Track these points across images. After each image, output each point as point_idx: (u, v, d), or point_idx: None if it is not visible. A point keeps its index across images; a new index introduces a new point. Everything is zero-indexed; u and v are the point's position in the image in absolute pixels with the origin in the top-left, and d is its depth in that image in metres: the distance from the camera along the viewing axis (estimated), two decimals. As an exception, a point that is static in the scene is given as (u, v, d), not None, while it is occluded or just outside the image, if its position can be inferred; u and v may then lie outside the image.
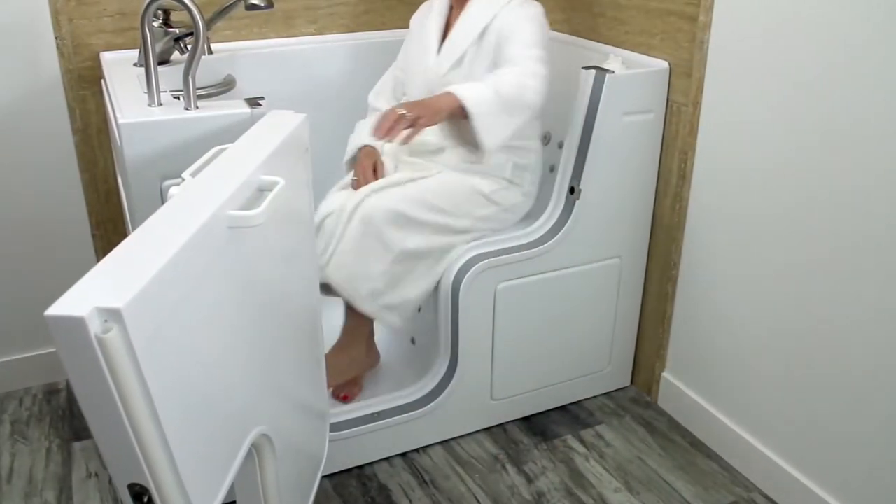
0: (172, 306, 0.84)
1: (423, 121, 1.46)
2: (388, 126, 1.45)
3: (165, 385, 0.83)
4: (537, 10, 1.73)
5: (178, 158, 1.35)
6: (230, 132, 1.38)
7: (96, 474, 1.76)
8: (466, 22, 1.74)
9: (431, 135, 1.72)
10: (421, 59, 1.81)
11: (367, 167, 1.75)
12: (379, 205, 1.64)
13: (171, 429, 0.83)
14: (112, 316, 0.74)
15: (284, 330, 1.27)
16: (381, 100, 1.93)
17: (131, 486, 0.86)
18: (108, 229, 2.04)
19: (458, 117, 1.58)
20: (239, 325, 1.05)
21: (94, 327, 0.73)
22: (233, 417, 1.04)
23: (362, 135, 1.82)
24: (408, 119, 1.44)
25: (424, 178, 1.73)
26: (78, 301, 0.74)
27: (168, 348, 0.84)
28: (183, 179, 1.12)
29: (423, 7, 1.91)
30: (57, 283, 2.02)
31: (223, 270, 0.99)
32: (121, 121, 1.32)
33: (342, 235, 1.64)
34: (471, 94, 1.57)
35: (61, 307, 0.74)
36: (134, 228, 1.40)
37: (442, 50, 1.78)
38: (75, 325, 0.73)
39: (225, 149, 1.23)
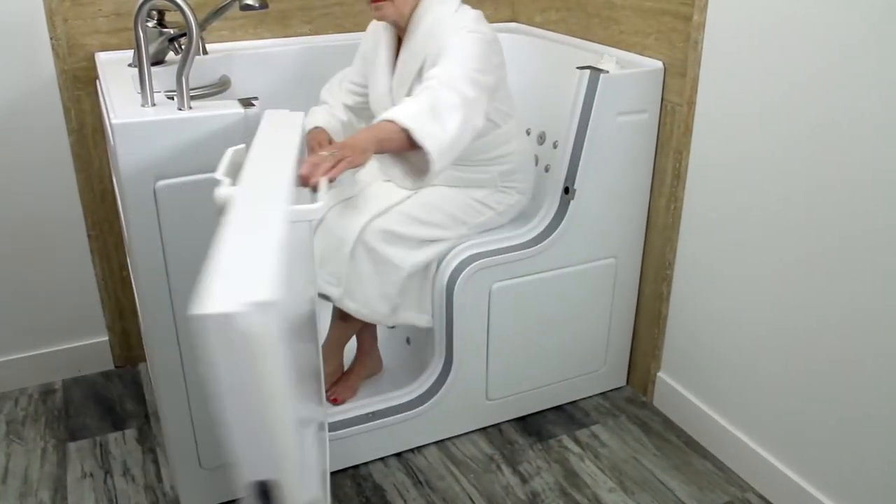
0: (286, 300, 0.85)
1: (347, 160, 1.32)
2: (309, 170, 1.27)
3: (291, 376, 0.83)
4: (467, 22, 1.61)
5: (172, 159, 1.36)
6: (224, 132, 1.38)
7: (91, 474, 1.77)
8: (407, 56, 1.68)
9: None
10: (379, 98, 1.76)
11: (317, 144, 1.67)
12: (377, 230, 1.65)
13: (294, 422, 0.84)
14: (262, 309, 0.75)
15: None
16: (329, 98, 1.86)
17: (259, 484, 0.85)
18: (104, 230, 2.04)
19: (389, 149, 1.47)
20: None
21: (245, 322, 0.74)
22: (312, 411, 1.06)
23: (311, 119, 1.77)
24: (331, 160, 1.31)
25: (416, 194, 1.73)
26: (225, 298, 0.74)
27: (286, 342, 0.85)
28: (220, 180, 1.13)
29: (372, 29, 1.80)
30: (53, 284, 2.05)
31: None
32: (114, 121, 1.31)
33: (351, 266, 1.65)
34: (398, 111, 1.46)
35: (210, 305, 0.74)
36: (129, 229, 1.40)
37: (392, 86, 1.73)
38: (228, 322, 0.73)
39: (240, 148, 1.26)
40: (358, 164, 1.36)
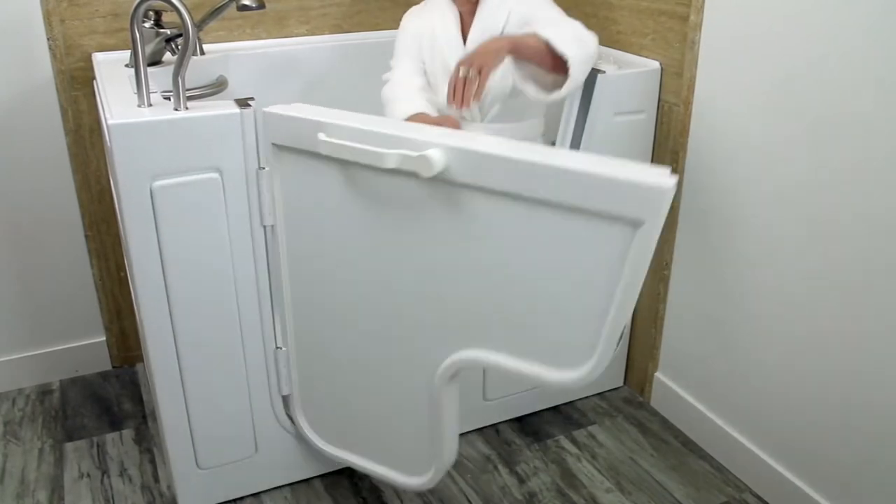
0: None
1: (486, 68, 1.45)
2: (461, 91, 1.44)
3: None
4: None
5: (169, 159, 1.36)
6: (220, 132, 1.38)
7: (88, 475, 1.77)
8: (483, 18, 1.70)
9: None
10: (447, 71, 1.74)
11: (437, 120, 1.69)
12: None
13: None
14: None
15: None
16: (405, 91, 1.81)
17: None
18: (102, 230, 2.04)
19: (524, 56, 1.55)
20: None
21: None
22: None
23: (405, 107, 1.74)
24: (473, 77, 1.44)
25: None
26: (658, 179, 1.05)
27: None
28: (409, 154, 1.21)
29: (418, 13, 1.83)
30: (50, 285, 2.04)
31: None
32: (110, 122, 1.31)
33: None
34: (538, 30, 1.56)
35: (658, 182, 1.04)
36: (126, 229, 1.40)
37: (468, 52, 1.74)
38: (671, 191, 1.05)
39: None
40: (495, 68, 1.48)
